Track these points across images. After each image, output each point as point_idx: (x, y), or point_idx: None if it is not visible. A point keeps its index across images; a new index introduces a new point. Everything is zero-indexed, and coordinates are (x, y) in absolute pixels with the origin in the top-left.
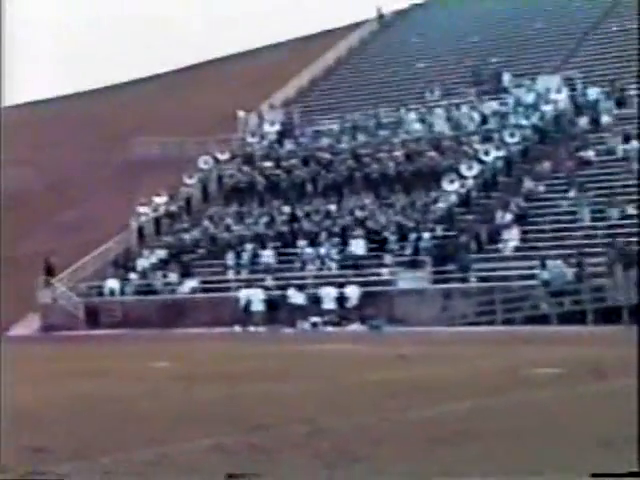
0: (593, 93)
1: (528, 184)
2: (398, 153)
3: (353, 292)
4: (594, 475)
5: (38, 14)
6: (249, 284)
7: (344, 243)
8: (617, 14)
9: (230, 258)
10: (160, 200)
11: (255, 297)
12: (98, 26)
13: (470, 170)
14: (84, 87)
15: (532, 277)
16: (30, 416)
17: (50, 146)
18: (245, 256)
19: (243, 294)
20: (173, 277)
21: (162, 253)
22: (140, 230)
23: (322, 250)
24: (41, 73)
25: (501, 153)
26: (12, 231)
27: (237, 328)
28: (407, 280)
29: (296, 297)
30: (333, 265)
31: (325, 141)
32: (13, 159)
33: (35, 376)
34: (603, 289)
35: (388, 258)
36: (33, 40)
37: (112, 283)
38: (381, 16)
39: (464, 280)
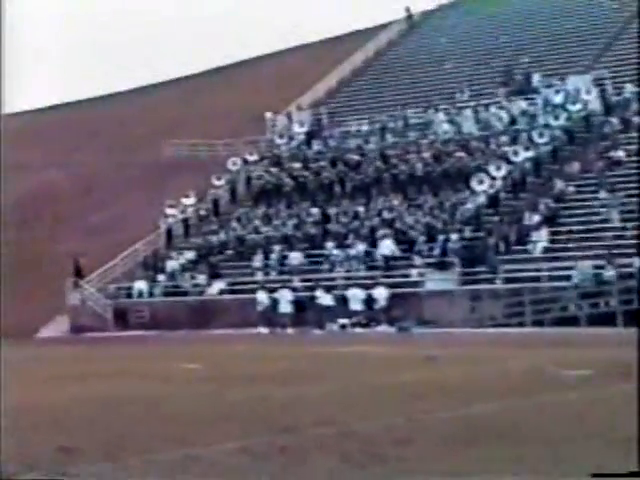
0: (626, 92)
1: (558, 185)
2: (426, 154)
3: (381, 293)
4: (594, 475)
5: (52, 14)
6: (275, 286)
7: (372, 244)
8: None
9: (258, 260)
10: (188, 202)
11: (283, 298)
12: (125, 27)
13: (499, 171)
14: (113, 89)
15: (561, 278)
16: (59, 417)
17: (79, 149)
18: (273, 257)
19: (261, 297)
20: (201, 278)
21: (190, 255)
22: (169, 232)
23: (350, 251)
24: (70, 75)
25: (530, 154)
26: (41, 233)
27: (264, 330)
28: (435, 281)
29: (324, 298)
30: (361, 266)
31: (353, 142)
32: (39, 162)
33: (64, 377)
34: (633, 291)
35: (416, 259)
36: (53, 42)
37: (141, 285)
38: (409, 16)
39: (492, 281)
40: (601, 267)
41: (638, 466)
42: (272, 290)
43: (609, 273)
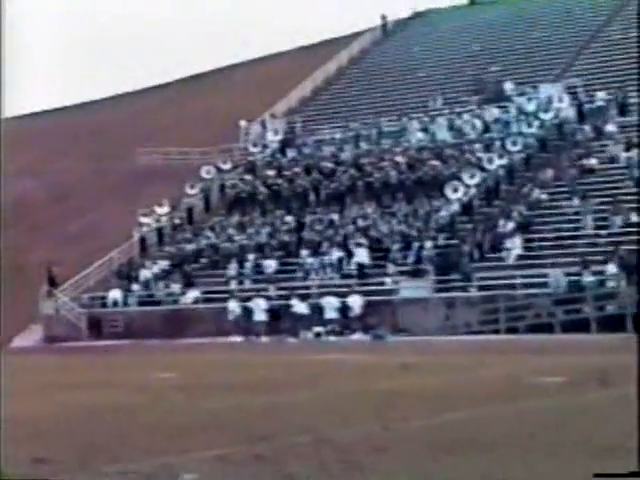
0: (598, 99)
1: (531, 192)
2: (400, 161)
3: (356, 301)
4: (597, 475)
5: (38, 23)
6: (250, 294)
7: (347, 252)
8: (619, 21)
9: (232, 268)
10: (162, 210)
11: (257, 307)
12: (100, 37)
13: (472, 178)
14: (86, 98)
15: (535, 285)
16: (32, 427)
17: (52, 157)
18: (248, 266)
19: (232, 306)
20: (175, 287)
21: (164, 263)
22: (142, 241)
23: (325, 259)
24: (43, 84)
25: (504, 161)
26: (15, 242)
27: (237, 338)
28: (410, 289)
29: (299, 307)
30: (336, 274)
31: (327, 150)
32: (16, 170)
33: (37, 387)
34: (606, 297)
35: (391, 267)
36: (34, 51)
37: (115, 294)
38: (384, 25)
39: (467, 289)
40: (576, 274)
41: (638, 466)
42: (244, 299)
43: (587, 279)
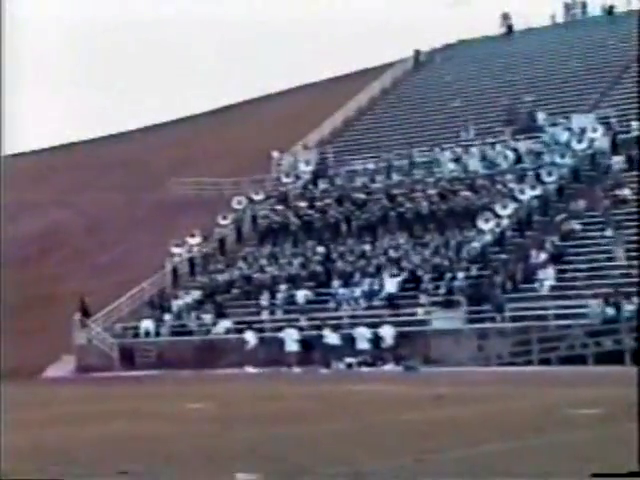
0: (633, 129)
1: (564, 223)
2: (432, 192)
3: (387, 332)
4: (594, 475)
5: (63, 60)
6: (282, 324)
7: (379, 283)
8: None
9: (264, 298)
10: (194, 241)
11: (289, 337)
12: (133, 67)
13: (505, 209)
14: (121, 129)
15: (568, 317)
16: (64, 456)
17: (86, 188)
18: (279, 296)
19: (248, 336)
20: (207, 318)
21: (197, 294)
22: (175, 271)
23: (356, 290)
24: (78, 115)
25: (536, 192)
26: (48, 272)
27: (252, 369)
28: (442, 320)
29: (331, 337)
30: (367, 305)
31: (359, 181)
32: (48, 201)
33: (70, 417)
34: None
35: (423, 298)
36: (67, 81)
37: (147, 324)
38: (417, 57)
39: (499, 320)
40: (615, 304)
41: (638, 466)
42: (266, 329)
43: (628, 307)
